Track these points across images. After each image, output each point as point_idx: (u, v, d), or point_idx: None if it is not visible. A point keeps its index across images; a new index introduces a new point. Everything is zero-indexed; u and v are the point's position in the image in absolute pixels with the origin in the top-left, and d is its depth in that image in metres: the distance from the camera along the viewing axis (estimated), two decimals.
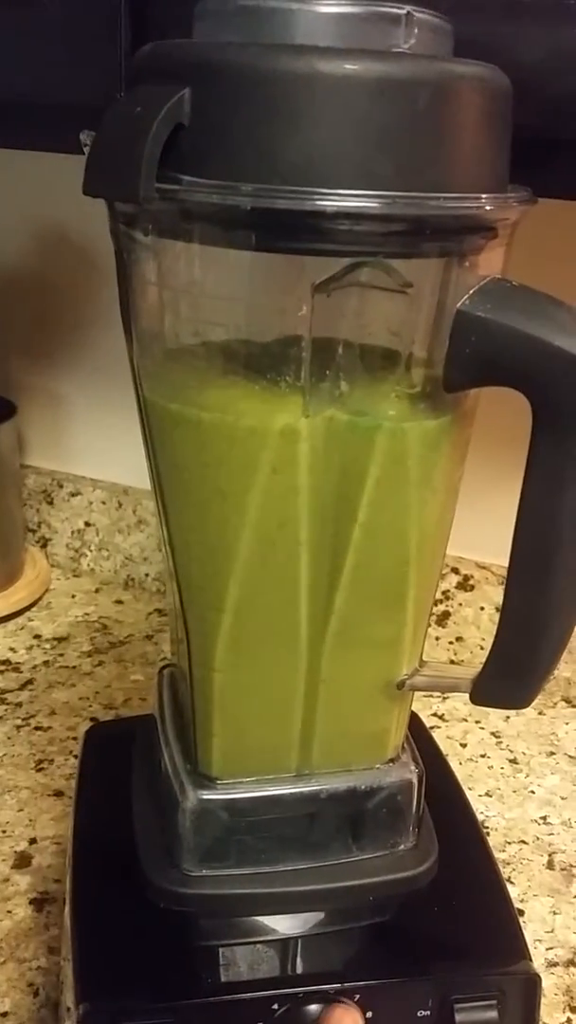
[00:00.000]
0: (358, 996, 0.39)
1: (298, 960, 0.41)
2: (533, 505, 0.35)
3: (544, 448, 0.34)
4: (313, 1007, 0.39)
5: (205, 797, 0.40)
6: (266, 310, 0.35)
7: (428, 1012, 0.39)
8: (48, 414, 0.89)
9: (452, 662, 0.79)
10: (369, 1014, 0.39)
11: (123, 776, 0.47)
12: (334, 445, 0.35)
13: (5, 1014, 0.52)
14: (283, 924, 0.42)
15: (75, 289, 0.83)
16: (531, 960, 0.41)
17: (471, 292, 0.33)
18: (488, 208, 0.33)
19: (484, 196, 0.32)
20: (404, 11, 0.33)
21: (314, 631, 0.38)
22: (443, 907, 0.42)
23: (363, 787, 0.41)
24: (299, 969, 0.41)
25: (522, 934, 0.42)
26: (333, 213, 0.31)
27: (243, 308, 0.35)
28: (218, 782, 0.41)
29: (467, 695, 0.40)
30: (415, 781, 0.42)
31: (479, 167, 0.33)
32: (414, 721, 0.46)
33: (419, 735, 0.48)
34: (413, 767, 0.42)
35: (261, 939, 0.42)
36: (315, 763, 0.41)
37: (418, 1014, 0.39)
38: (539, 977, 0.40)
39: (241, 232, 0.32)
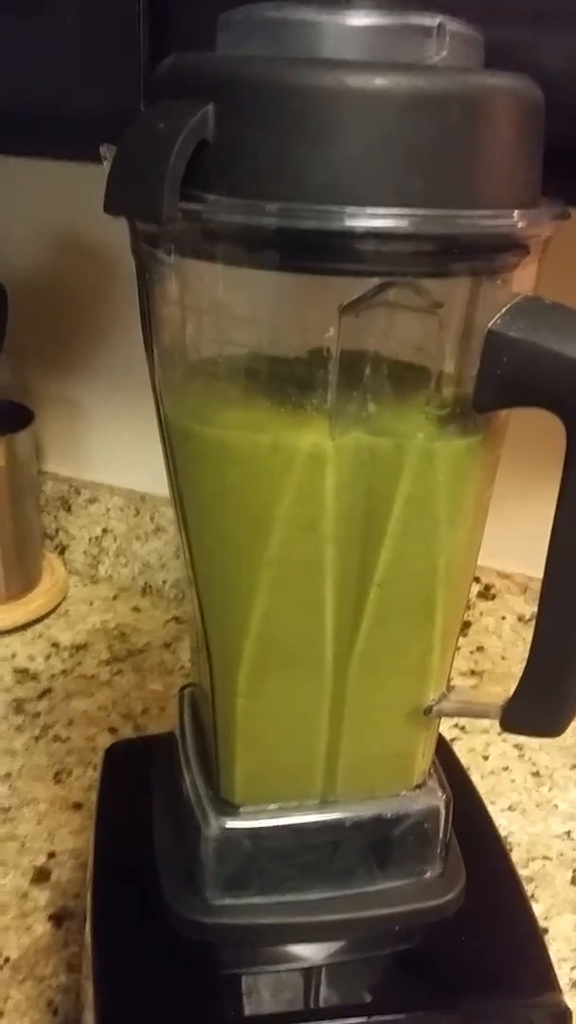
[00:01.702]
0: None
1: (322, 991, 0.40)
2: (567, 529, 0.34)
3: None
4: None
5: (228, 826, 0.39)
6: (291, 330, 0.34)
7: None
8: (65, 421, 0.89)
9: (473, 672, 0.78)
10: None
11: (143, 797, 0.47)
12: (361, 467, 0.34)
13: None
14: (306, 953, 0.41)
15: (92, 296, 0.82)
16: (560, 992, 0.40)
17: (503, 311, 0.32)
18: (521, 225, 0.31)
19: (516, 212, 0.31)
20: (436, 22, 0.32)
21: (339, 656, 0.37)
22: (470, 936, 0.41)
23: (389, 814, 0.40)
24: (323, 1001, 0.40)
25: (551, 964, 0.41)
26: (362, 233, 0.30)
27: (267, 329, 0.34)
28: (241, 809, 0.40)
29: (497, 720, 0.39)
30: (442, 808, 0.41)
31: (511, 182, 0.32)
32: (439, 743, 0.45)
33: (444, 757, 0.47)
34: (440, 793, 0.41)
35: (284, 968, 0.41)
36: (340, 790, 0.40)
37: None
38: (569, 1011, 0.39)
39: (266, 252, 0.31)
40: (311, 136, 0.30)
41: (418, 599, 0.37)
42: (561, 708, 0.36)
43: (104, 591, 0.90)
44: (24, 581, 0.84)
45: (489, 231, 0.31)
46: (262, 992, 0.41)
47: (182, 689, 0.47)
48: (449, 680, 0.40)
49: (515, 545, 0.68)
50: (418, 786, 0.41)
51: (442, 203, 0.30)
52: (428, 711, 0.39)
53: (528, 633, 0.77)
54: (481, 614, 0.78)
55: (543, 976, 0.40)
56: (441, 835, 0.41)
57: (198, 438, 0.35)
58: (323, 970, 0.41)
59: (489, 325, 0.32)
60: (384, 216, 0.30)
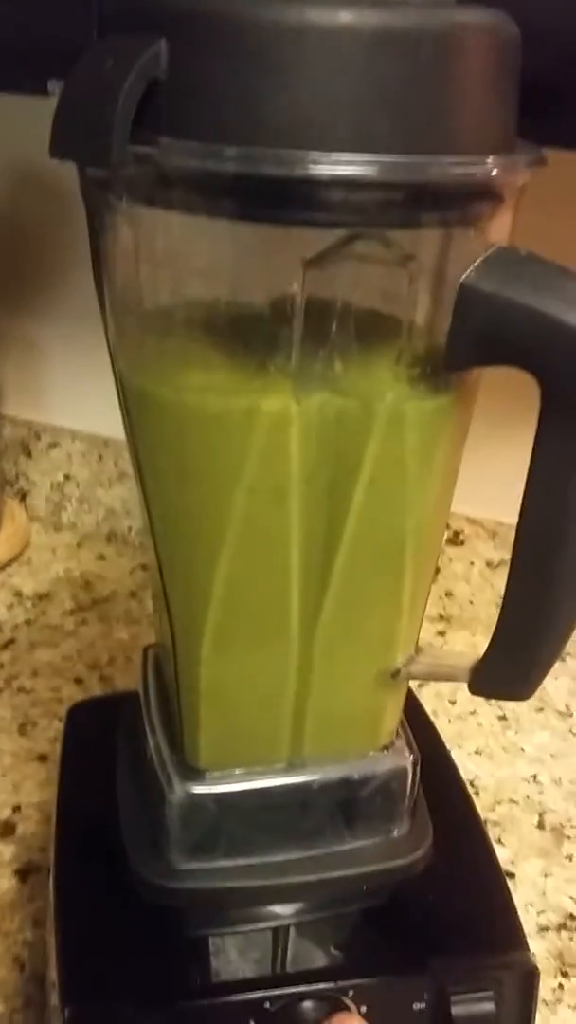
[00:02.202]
0: (352, 992, 0.38)
1: (289, 955, 0.40)
2: (540, 491, 0.33)
3: (553, 433, 0.32)
4: (307, 1003, 0.38)
5: (193, 791, 0.39)
6: (252, 284, 0.32)
7: (424, 1005, 0.38)
8: (23, 362, 0.86)
9: (441, 617, 0.78)
10: (364, 1008, 0.38)
11: (107, 758, 0.46)
12: (327, 430, 0.33)
13: None
14: (274, 916, 0.41)
15: (51, 231, 0.79)
16: (529, 951, 0.40)
17: (476, 263, 0.30)
18: (495, 172, 0.30)
19: (491, 159, 0.29)
20: None
21: (306, 621, 0.36)
22: (438, 895, 0.41)
23: (357, 776, 0.40)
24: (291, 965, 0.40)
25: (519, 923, 0.41)
26: (327, 180, 0.28)
27: (226, 282, 0.32)
28: (206, 774, 0.39)
29: (465, 683, 0.38)
30: (410, 768, 0.40)
31: (485, 126, 0.30)
32: (408, 698, 0.45)
33: (412, 711, 0.47)
34: (408, 753, 0.41)
35: (251, 932, 0.41)
36: (307, 752, 0.40)
37: (414, 1007, 0.38)
38: (537, 969, 0.39)
39: (224, 200, 0.29)
40: (272, 75, 0.28)
41: (386, 564, 0.36)
42: (530, 671, 0.36)
43: (67, 538, 0.88)
44: None
45: (462, 179, 0.29)
46: (229, 955, 0.41)
47: (145, 649, 0.46)
48: (417, 643, 0.40)
49: (484, 490, 0.67)
50: (386, 747, 0.41)
51: (412, 148, 0.28)
52: (396, 674, 0.39)
53: (496, 579, 0.77)
54: (450, 559, 0.77)
55: (512, 935, 0.40)
56: (409, 794, 0.41)
57: (154, 399, 0.34)
58: (291, 933, 0.41)
59: (462, 279, 0.30)
60: (350, 163, 0.28)
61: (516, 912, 0.41)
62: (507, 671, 0.36)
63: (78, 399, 0.84)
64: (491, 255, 0.31)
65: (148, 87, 0.28)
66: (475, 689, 0.37)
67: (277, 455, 0.33)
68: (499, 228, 0.32)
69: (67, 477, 0.87)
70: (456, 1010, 0.38)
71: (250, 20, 0.28)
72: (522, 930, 0.41)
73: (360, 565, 0.35)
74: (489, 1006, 0.38)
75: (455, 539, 0.76)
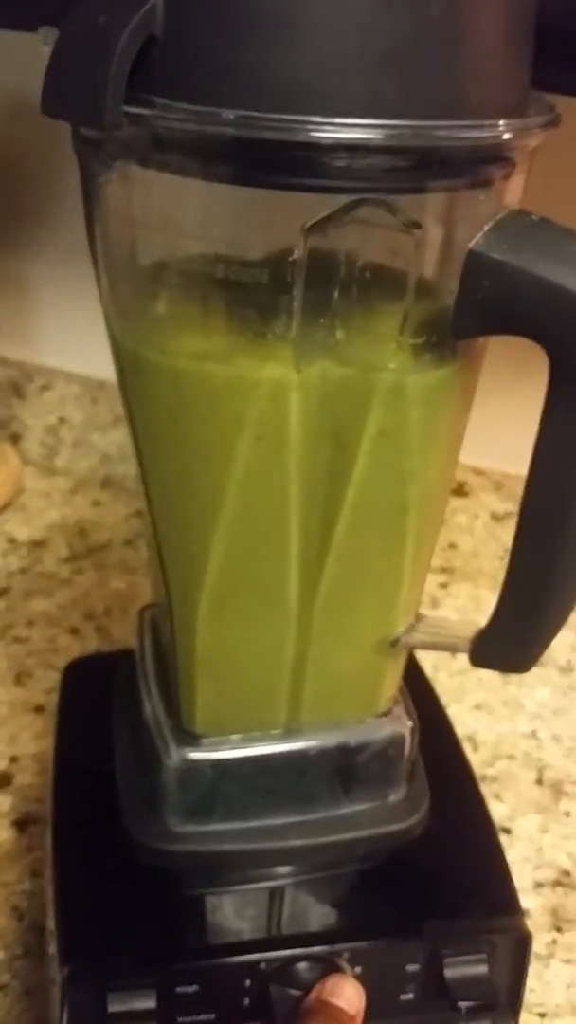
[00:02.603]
0: (346, 954, 0.38)
1: (286, 916, 0.41)
2: (547, 464, 0.32)
3: (560, 405, 0.31)
4: (302, 964, 0.38)
5: (189, 756, 0.39)
6: (250, 250, 0.31)
7: (418, 967, 0.39)
8: (14, 300, 0.84)
9: (444, 569, 0.78)
10: (358, 969, 0.38)
11: (104, 717, 0.46)
12: (327, 400, 0.32)
13: None
14: (270, 879, 0.41)
15: (41, 165, 0.76)
16: (523, 916, 0.40)
17: (485, 229, 0.29)
18: (507, 136, 0.28)
19: (503, 123, 0.28)
20: None
21: (304, 591, 0.36)
22: (434, 859, 0.42)
23: (354, 742, 0.40)
24: (287, 926, 0.40)
25: (514, 889, 0.41)
26: (329, 146, 0.26)
27: (224, 247, 0.31)
28: (203, 739, 0.39)
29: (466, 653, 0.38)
30: (408, 735, 0.40)
31: (498, 85, 0.29)
32: (410, 664, 0.45)
33: (414, 676, 0.47)
34: (406, 719, 0.41)
35: (248, 888, 0.42)
36: (304, 719, 0.40)
37: (407, 969, 0.39)
38: (530, 935, 0.40)
39: (221, 164, 0.28)
40: (272, 32, 0.26)
41: (387, 534, 0.35)
42: (530, 646, 0.35)
43: (62, 484, 0.87)
44: None
45: (473, 144, 0.28)
46: (225, 913, 0.41)
47: (142, 611, 0.45)
48: (417, 612, 0.39)
49: (490, 441, 0.66)
50: (384, 713, 0.41)
51: (420, 112, 0.27)
52: (395, 643, 0.38)
53: (501, 531, 0.76)
54: (454, 511, 0.76)
55: (506, 899, 0.40)
56: (406, 760, 0.41)
57: (150, 365, 0.33)
58: (287, 894, 0.41)
59: (470, 245, 0.29)
60: (354, 127, 0.26)
61: (510, 877, 0.42)
62: (508, 644, 0.36)
63: (72, 340, 0.83)
64: (501, 220, 0.29)
65: (144, 45, 0.27)
66: (475, 660, 0.37)
67: (276, 424, 0.32)
68: (511, 190, 0.31)
69: (61, 420, 0.86)
70: (449, 972, 0.39)
71: None
72: (516, 895, 0.41)
73: (360, 535, 0.35)
74: (482, 969, 0.39)
75: (460, 490, 0.75)
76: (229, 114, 0.26)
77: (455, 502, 0.76)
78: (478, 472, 0.74)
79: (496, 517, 0.76)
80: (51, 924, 0.42)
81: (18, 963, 0.51)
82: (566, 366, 0.30)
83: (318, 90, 0.26)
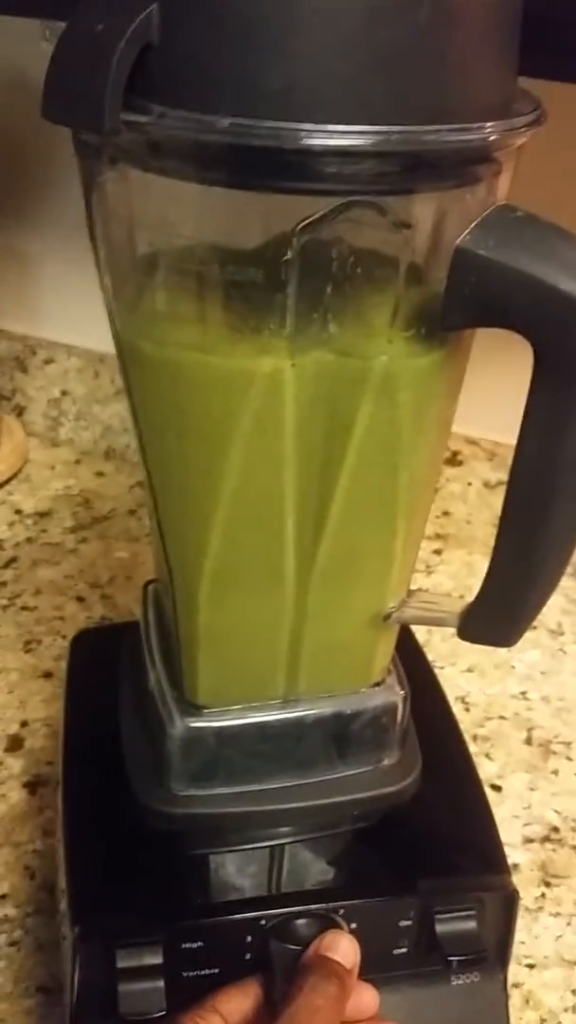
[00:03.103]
0: (343, 911, 0.40)
1: (285, 874, 0.43)
2: (531, 451, 0.33)
3: (544, 395, 0.32)
4: (300, 921, 0.40)
5: (192, 725, 0.40)
6: (246, 248, 0.32)
7: (410, 923, 0.41)
8: (16, 275, 0.85)
9: (439, 536, 0.79)
10: (353, 925, 0.41)
11: (111, 687, 0.48)
12: (321, 388, 0.33)
13: (4, 896, 0.54)
14: (270, 839, 0.43)
15: (41, 142, 0.77)
16: (510, 874, 0.42)
17: (472, 226, 0.30)
18: (493, 138, 0.29)
19: (489, 125, 0.29)
20: None
21: (300, 570, 0.37)
22: (426, 821, 0.44)
23: (349, 711, 0.42)
24: (286, 884, 0.42)
25: (501, 848, 0.43)
26: (321, 151, 0.28)
27: (221, 246, 0.32)
28: (204, 709, 0.41)
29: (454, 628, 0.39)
30: (400, 703, 0.42)
31: (484, 88, 0.30)
32: (402, 630, 0.47)
33: (407, 644, 0.49)
34: (399, 689, 0.43)
35: (249, 848, 0.44)
36: (301, 689, 0.41)
37: (400, 924, 0.41)
38: (517, 892, 0.42)
39: (217, 169, 0.29)
40: (265, 41, 0.27)
41: (379, 515, 0.37)
42: (515, 622, 0.37)
43: (65, 455, 0.89)
44: None
45: (459, 146, 0.29)
46: (228, 872, 0.43)
47: (146, 585, 0.47)
48: (409, 587, 0.41)
49: (483, 411, 0.67)
50: (377, 683, 0.42)
51: (408, 117, 0.28)
52: (387, 617, 0.40)
53: (493, 499, 0.78)
54: (448, 480, 0.78)
55: (494, 858, 0.43)
56: (398, 727, 0.43)
57: (151, 357, 0.34)
58: (286, 854, 0.43)
59: (457, 242, 0.30)
60: (345, 134, 0.27)
61: (498, 837, 0.44)
62: (494, 621, 0.38)
63: (73, 314, 0.84)
64: (488, 216, 0.31)
65: (141, 52, 0.28)
66: (463, 635, 0.39)
67: (272, 413, 0.33)
68: (498, 186, 0.32)
69: (64, 393, 0.87)
70: (440, 928, 0.41)
71: None
72: (503, 854, 0.43)
73: (353, 517, 0.36)
74: (471, 924, 0.41)
75: (453, 459, 0.77)
76: (224, 121, 0.27)
77: (449, 471, 0.77)
78: (471, 442, 0.76)
79: (488, 485, 0.78)
80: (62, 883, 0.44)
81: (30, 920, 0.53)
82: (549, 358, 0.31)
83: (309, 97, 0.27)
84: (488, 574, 0.36)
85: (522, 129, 0.30)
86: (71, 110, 0.29)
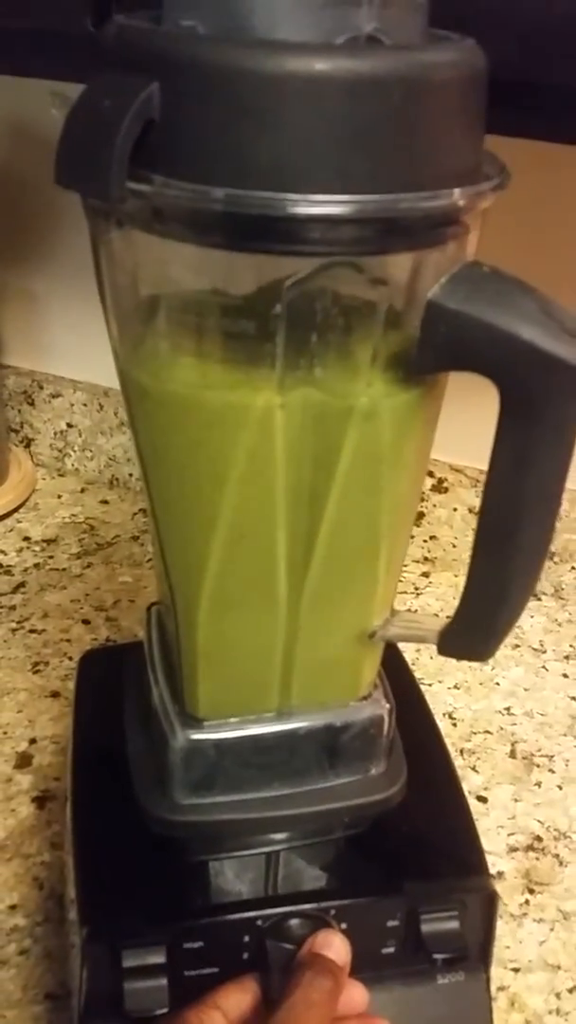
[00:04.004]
0: (334, 912, 0.43)
1: (280, 878, 0.45)
2: (498, 483, 0.37)
3: (510, 433, 0.35)
4: (294, 921, 0.43)
5: (193, 737, 0.43)
6: (239, 302, 0.35)
7: (397, 923, 0.44)
8: (24, 314, 0.89)
9: (426, 559, 0.83)
10: (344, 925, 0.43)
11: (116, 702, 0.50)
12: (308, 423, 0.36)
13: (14, 906, 0.57)
14: (265, 844, 0.46)
15: (47, 185, 0.80)
16: (490, 876, 0.45)
17: (442, 281, 0.34)
18: (461, 203, 0.33)
19: (457, 191, 0.32)
20: None
21: (292, 592, 0.40)
22: (411, 826, 0.46)
23: (339, 723, 0.44)
24: (281, 887, 0.45)
25: (483, 852, 0.46)
26: (305, 218, 0.31)
27: (216, 299, 0.35)
28: (205, 722, 0.44)
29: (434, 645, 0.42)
30: (386, 716, 0.45)
31: (453, 157, 0.33)
32: (389, 647, 0.49)
33: (394, 660, 0.52)
34: (384, 703, 0.45)
35: (246, 854, 0.47)
36: (294, 703, 0.44)
37: (388, 924, 0.44)
38: (497, 893, 0.45)
39: (213, 234, 0.32)
40: (254, 120, 0.30)
41: (363, 540, 0.40)
42: (490, 639, 0.40)
43: (71, 484, 0.92)
44: None
45: (430, 211, 0.32)
46: (226, 878, 0.46)
47: (149, 608, 0.50)
48: (392, 607, 0.44)
49: (468, 440, 0.70)
50: (365, 697, 0.45)
51: (383, 187, 0.31)
52: (373, 635, 0.43)
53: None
54: (434, 506, 0.81)
55: (475, 862, 0.45)
56: (385, 738, 0.46)
57: (154, 394, 0.37)
58: (280, 859, 0.46)
59: (428, 296, 0.34)
60: (327, 203, 0.31)
61: (480, 842, 0.46)
62: (470, 637, 0.41)
63: (78, 350, 0.87)
64: (456, 272, 0.34)
65: (144, 127, 0.31)
66: (442, 651, 0.42)
67: (264, 446, 0.36)
68: (466, 244, 0.36)
69: (70, 425, 0.91)
70: (425, 928, 0.44)
71: (234, 69, 0.30)
72: (484, 858, 0.46)
73: (340, 542, 0.39)
74: (454, 924, 0.44)
75: (439, 486, 0.80)
76: (219, 192, 0.31)
77: (435, 497, 0.81)
78: (456, 469, 0.79)
79: (473, 511, 0.81)
80: (71, 892, 0.47)
81: (39, 929, 0.56)
82: (513, 399, 0.34)
83: (294, 170, 0.31)
84: (464, 594, 0.40)
85: (487, 193, 0.34)
86: (81, 179, 0.32)
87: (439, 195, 0.32)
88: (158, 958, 0.43)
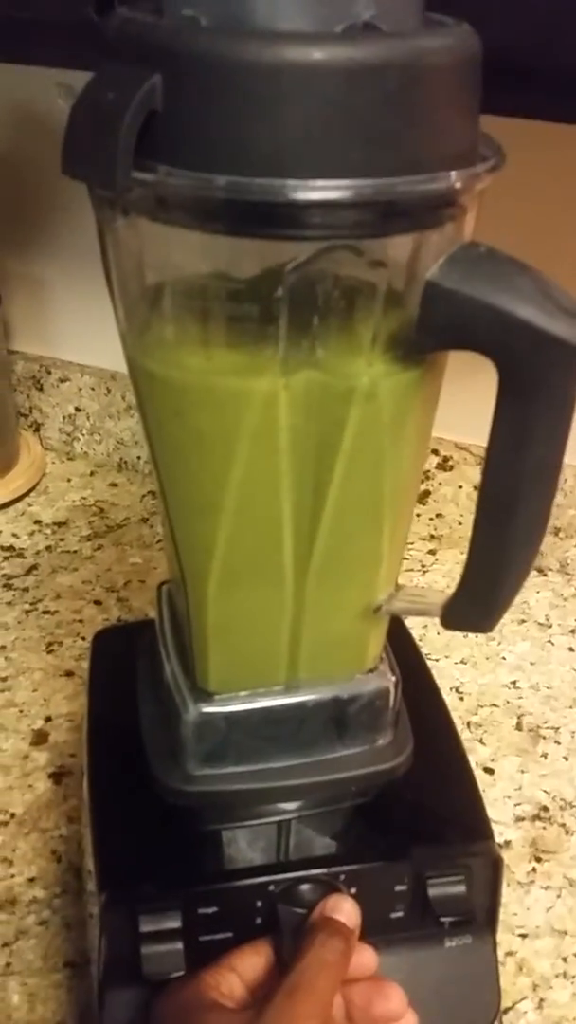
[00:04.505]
0: (343, 877, 0.44)
1: (291, 845, 0.47)
2: (498, 459, 0.38)
3: (508, 409, 0.36)
4: (305, 886, 0.45)
5: (205, 710, 0.45)
6: (243, 285, 0.36)
7: (405, 887, 0.45)
8: (32, 300, 0.90)
9: (432, 536, 0.84)
10: (353, 890, 0.45)
11: (129, 679, 0.52)
12: (312, 404, 0.37)
13: (32, 879, 0.59)
14: (276, 813, 0.47)
15: (52, 173, 0.81)
16: (495, 841, 0.46)
17: (440, 262, 0.35)
18: (458, 185, 0.33)
19: (453, 174, 0.33)
20: None
21: (298, 568, 0.42)
22: (418, 794, 0.48)
23: (346, 695, 0.46)
24: (292, 854, 0.46)
25: (487, 818, 0.47)
26: (305, 204, 0.32)
27: (221, 283, 0.36)
28: (215, 696, 0.45)
29: (438, 618, 0.43)
30: (392, 688, 0.46)
31: (448, 140, 0.34)
32: (396, 623, 0.51)
33: (400, 636, 0.53)
34: (390, 675, 0.47)
35: (257, 823, 0.48)
36: (302, 676, 0.45)
37: (396, 889, 0.45)
38: (502, 859, 0.46)
39: (216, 220, 0.33)
40: (254, 109, 0.31)
41: (367, 517, 0.41)
42: (492, 610, 0.41)
43: (81, 468, 0.93)
44: (3, 460, 0.88)
45: (427, 194, 0.33)
46: (239, 846, 0.47)
47: (160, 587, 0.51)
48: (397, 582, 0.45)
49: (472, 418, 0.71)
50: (371, 670, 0.46)
51: (381, 171, 0.32)
52: (378, 609, 0.44)
53: None
54: (440, 484, 0.82)
55: (480, 828, 0.47)
56: (391, 709, 0.47)
57: (161, 379, 0.38)
58: (291, 827, 0.47)
59: (427, 276, 0.35)
60: (326, 188, 0.32)
61: (484, 808, 0.48)
62: (472, 610, 0.42)
63: (85, 335, 0.88)
64: (454, 253, 0.35)
65: (147, 118, 0.32)
66: (445, 624, 0.43)
67: (269, 427, 0.38)
68: (464, 224, 0.37)
69: (78, 409, 0.92)
70: (432, 892, 0.45)
71: (232, 60, 0.31)
72: (489, 824, 0.47)
73: (344, 518, 0.41)
74: (460, 888, 0.45)
75: (444, 464, 0.81)
76: (221, 179, 0.31)
77: (440, 475, 0.82)
78: (461, 447, 0.80)
79: (478, 488, 0.82)
80: (88, 864, 0.48)
81: (57, 901, 0.58)
82: (511, 376, 0.35)
83: (294, 157, 0.31)
84: (465, 567, 0.41)
85: (483, 174, 0.35)
86: (87, 169, 0.33)
87: (436, 178, 0.33)
88: (174, 923, 0.44)
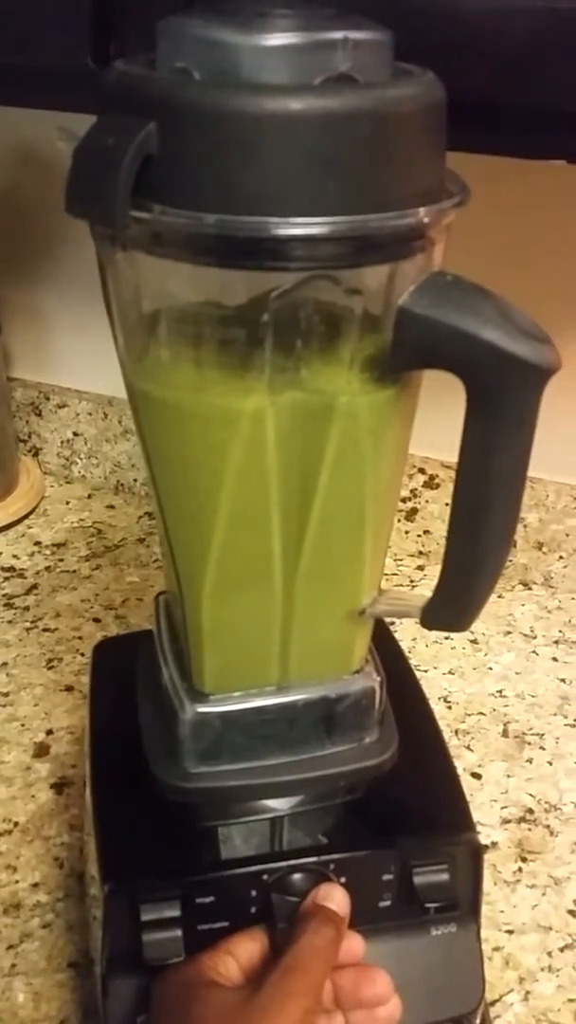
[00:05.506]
0: (333, 866, 0.47)
1: (283, 837, 0.49)
2: (468, 468, 0.41)
3: (476, 423, 0.39)
4: (297, 876, 0.47)
5: (200, 710, 0.47)
6: (231, 312, 0.40)
7: (391, 876, 0.48)
8: (31, 328, 0.93)
9: (420, 553, 0.87)
10: (343, 879, 0.47)
11: (129, 686, 0.54)
12: (297, 421, 0.40)
13: (36, 884, 0.61)
14: (269, 808, 0.50)
15: (55, 205, 0.84)
16: (476, 832, 0.49)
17: (411, 289, 0.38)
18: (426, 220, 0.37)
19: (422, 210, 0.37)
20: (340, 36, 0.36)
21: (287, 574, 0.45)
22: (403, 788, 0.50)
23: (333, 695, 0.48)
24: (284, 845, 0.49)
25: (468, 809, 0.50)
26: (286, 239, 0.35)
27: (211, 311, 0.40)
28: (211, 697, 0.48)
29: (418, 619, 0.46)
30: (377, 687, 0.49)
31: (417, 179, 0.37)
32: (380, 627, 0.54)
33: (384, 639, 0.56)
34: (375, 675, 0.49)
35: (251, 819, 0.51)
36: (292, 677, 0.48)
37: (383, 878, 0.48)
38: (482, 846, 0.49)
39: (207, 254, 0.37)
40: (240, 155, 0.35)
41: (350, 525, 0.44)
42: (466, 611, 0.44)
43: (79, 491, 0.96)
44: (3, 484, 0.91)
45: (398, 229, 0.37)
46: (234, 841, 0.50)
47: (157, 596, 0.54)
48: (380, 587, 0.48)
49: (458, 439, 0.75)
50: (357, 671, 0.49)
51: (355, 209, 0.35)
52: (362, 612, 0.47)
53: None
54: (427, 502, 0.85)
55: (462, 819, 0.49)
56: (377, 708, 0.50)
57: (157, 400, 0.41)
58: (283, 820, 0.50)
59: (399, 302, 0.38)
60: (305, 224, 0.35)
61: (466, 801, 0.50)
62: (449, 611, 0.45)
63: (83, 362, 0.91)
64: (423, 281, 0.38)
65: (144, 160, 0.35)
66: (425, 624, 0.46)
67: (257, 443, 0.41)
68: (432, 256, 0.40)
69: (76, 434, 0.95)
70: (417, 880, 0.48)
71: (220, 110, 0.34)
72: (470, 815, 0.50)
73: (328, 528, 0.44)
74: (444, 876, 0.48)
75: (431, 483, 0.84)
76: (211, 218, 0.35)
77: (427, 493, 0.85)
78: (447, 466, 0.83)
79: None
80: (91, 870, 0.51)
81: (60, 904, 0.60)
82: (477, 392, 0.38)
83: (276, 197, 0.35)
84: (441, 572, 0.44)
85: (450, 209, 0.38)
86: (89, 208, 0.36)
87: (406, 214, 0.37)
88: (173, 911, 0.47)
